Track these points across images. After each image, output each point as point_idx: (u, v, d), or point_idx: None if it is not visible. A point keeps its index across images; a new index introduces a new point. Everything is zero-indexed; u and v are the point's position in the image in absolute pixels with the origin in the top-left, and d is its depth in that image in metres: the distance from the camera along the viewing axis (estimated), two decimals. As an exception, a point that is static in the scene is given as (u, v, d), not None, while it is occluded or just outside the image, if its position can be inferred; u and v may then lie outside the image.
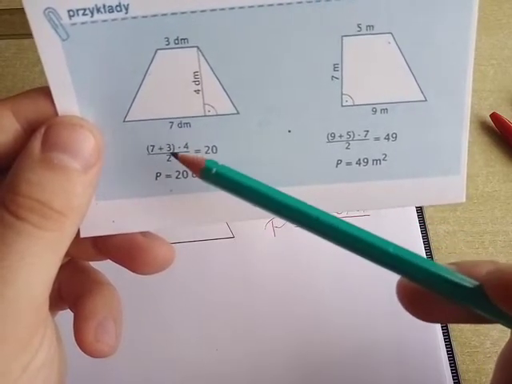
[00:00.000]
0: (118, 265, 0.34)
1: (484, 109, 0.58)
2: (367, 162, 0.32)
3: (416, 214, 0.53)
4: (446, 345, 0.49)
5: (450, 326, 0.49)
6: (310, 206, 0.29)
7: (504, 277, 0.27)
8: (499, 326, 0.46)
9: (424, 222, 0.53)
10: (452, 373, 0.48)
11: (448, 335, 0.49)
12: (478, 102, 0.58)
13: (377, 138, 0.32)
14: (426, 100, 0.31)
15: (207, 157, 0.31)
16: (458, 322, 0.32)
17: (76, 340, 0.33)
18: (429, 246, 0.52)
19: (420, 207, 0.53)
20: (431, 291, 0.29)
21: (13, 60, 0.59)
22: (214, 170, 0.30)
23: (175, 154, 0.31)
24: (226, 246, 0.52)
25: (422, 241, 0.52)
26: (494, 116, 0.56)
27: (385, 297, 0.49)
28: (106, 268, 0.36)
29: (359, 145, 0.32)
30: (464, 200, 0.33)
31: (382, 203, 0.33)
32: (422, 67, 0.31)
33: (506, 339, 0.34)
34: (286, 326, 0.49)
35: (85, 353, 0.33)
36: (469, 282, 0.28)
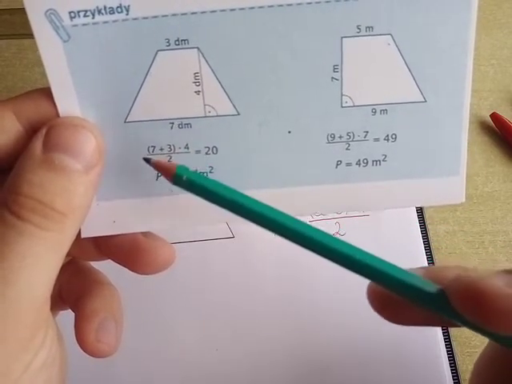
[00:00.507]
0: (118, 265, 0.34)
1: (484, 109, 0.58)
2: (367, 163, 0.32)
3: (416, 214, 0.53)
4: (446, 345, 0.49)
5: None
6: (278, 212, 0.29)
7: (463, 285, 0.27)
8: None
9: (424, 222, 0.53)
10: (452, 373, 0.48)
11: (448, 335, 0.49)
12: (477, 102, 0.58)
13: (376, 139, 0.32)
14: (425, 101, 0.31)
15: (207, 158, 0.31)
16: (429, 324, 0.32)
17: (77, 340, 0.33)
18: (429, 246, 0.52)
19: (420, 207, 0.53)
20: (397, 295, 0.30)
21: (13, 60, 0.59)
22: (185, 176, 0.30)
23: (148, 160, 0.31)
24: (226, 245, 0.52)
25: (421, 241, 0.52)
26: (493, 116, 0.56)
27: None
28: (106, 268, 0.36)
29: (359, 145, 0.32)
30: (463, 201, 0.33)
31: (381, 204, 0.33)
32: (421, 68, 0.31)
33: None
34: (286, 326, 0.49)
35: (86, 353, 0.33)
36: (431, 288, 0.28)
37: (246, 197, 0.30)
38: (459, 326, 0.29)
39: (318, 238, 0.29)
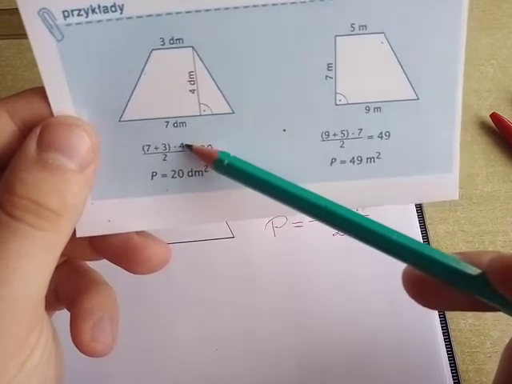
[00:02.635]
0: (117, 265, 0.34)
1: (484, 109, 0.57)
2: (361, 160, 0.32)
3: (416, 214, 0.53)
4: (446, 345, 0.49)
5: (450, 326, 0.49)
6: (317, 195, 0.30)
7: (506, 263, 0.27)
8: (499, 326, 0.46)
9: (424, 222, 0.53)
10: (452, 373, 0.48)
11: (448, 335, 0.49)
12: (477, 102, 0.58)
13: (370, 137, 0.32)
14: (418, 99, 0.31)
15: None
16: (463, 309, 0.32)
17: (72, 339, 0.33)
18: (429, 246, 0.52)
19: (420, 207, 0.53)
20: (436, 279, 0.30)
21: (13, 60, 0.59)
22: (226, 161, 0.31)
23: (190, 146, 0.32)
24: (226, 245, 0.52)
25: (422, 241, 0.52)
26: (493, 116, 0.56)
27: (384, 296, 0.49)
28: (107, 268, 0.36)
29: (353, 143, 0.32)
30: (457, 197, 0.33)
31: (375, 201, 0.33)
32: (414, 66, 0.31)
33: (507, 339, 0.34)
34: (286, 325, 0.49)
35: (81, 352, 0.33)
36: (472, 270, 0.29)
37: (286, 181, 0.31)
38: (495, 310, 0.30)
39: (357, 221, 0.30)
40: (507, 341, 0.34)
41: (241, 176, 0.31)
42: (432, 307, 0.32)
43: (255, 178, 0.31)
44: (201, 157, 0.32)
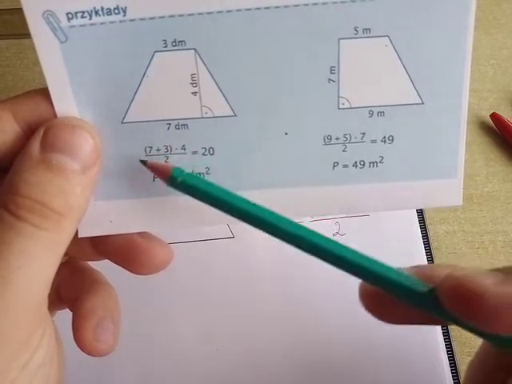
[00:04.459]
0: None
1: (484, 109, 0.58)
2: (364, 165, 0.32)
3: (416, 215, 0.53)
4: (446, 345, 0.49)
5: (450, 326, 0.49)
6: (269, 212, 0.30)
7: (453, 282, 0.27)
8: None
9: (424, 222, 0.53)
10: (452, 373, 0.48)
11: (448, 335, 0.49)
12: (477, 102, 0.58)
13: (373, 141, 0.32)
14: (423, 103, 0.31)
15: (204, 159, 0.32)
16: (419, 323, 0.32)
17: (75, 339, 0.33)
18: (429, 246, 0.52)
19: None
20: (388, 295, 0.30)
21: (13, 60, 0.59)
22: (180, 178, 0.31)
23: (144, 162, 0.31)
24: (226, 245, 0.52)
25: (422, 241, 0.52)
26: (493, 116, 0.56)
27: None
28: (107, 268, 0.36)
29: (356, 147, 0.32)
30: (461, 203, 0.33)
31: (378, 206, 0.33)
32: (419, 70, 0.31)
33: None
34: (286, 325, 0.49)
35: (84, 352, 0.33)
36: (422, 286, 0.29)
37: (240, 198, 0.30)
38: (451, 324, 0.30)
39: (310, 238, 0.30)
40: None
41: (194, 193, 0.31)
42: (389, 322, 0.32)
43: (208, 196, 0.31)
44: (155, 173, 0.32)
